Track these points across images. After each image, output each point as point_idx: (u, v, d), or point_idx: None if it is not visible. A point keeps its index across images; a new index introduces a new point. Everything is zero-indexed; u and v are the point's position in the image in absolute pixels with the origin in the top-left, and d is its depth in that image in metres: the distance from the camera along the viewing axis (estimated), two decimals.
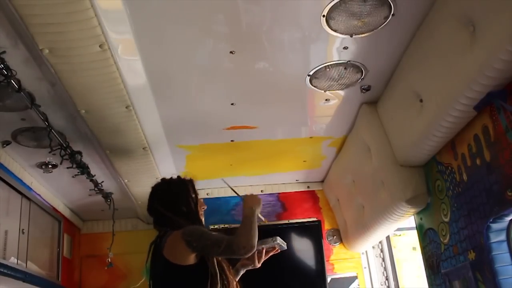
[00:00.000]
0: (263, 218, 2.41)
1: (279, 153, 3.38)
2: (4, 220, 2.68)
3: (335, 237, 4.12)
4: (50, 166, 2.93)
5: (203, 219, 2.38)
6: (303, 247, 3.99)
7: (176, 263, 2.11)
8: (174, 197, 2.30)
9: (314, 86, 2.50)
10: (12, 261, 2.70)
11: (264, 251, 2.52)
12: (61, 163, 2.73)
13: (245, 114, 2.79)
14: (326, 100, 2.69)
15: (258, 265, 2.53)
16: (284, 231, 3.97)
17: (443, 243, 2.53)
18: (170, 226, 2.21)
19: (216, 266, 2.14)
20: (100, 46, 1.77)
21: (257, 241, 2.24)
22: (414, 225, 2.96)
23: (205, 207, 2.42)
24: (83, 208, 3.83)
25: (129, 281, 3.98)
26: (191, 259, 2.11)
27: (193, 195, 2.35)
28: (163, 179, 2.43)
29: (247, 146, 3.16)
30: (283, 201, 4.13)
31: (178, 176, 2.41)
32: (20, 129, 2.51)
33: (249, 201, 2.30)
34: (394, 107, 2.57)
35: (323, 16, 1.94)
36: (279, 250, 2.59)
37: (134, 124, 2.41)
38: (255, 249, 2.10)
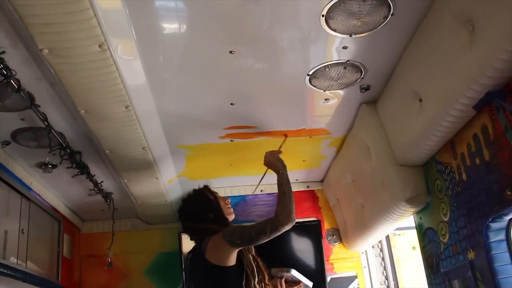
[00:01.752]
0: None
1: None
2: (4, 220, 2.68)
3: (334, 236, 4.12)
4: (49, 166, 2.93)
5: (231, 211, 2.58)
6: (302, 247, 3.99)
7: (219, 265, 2.29)
8: (197, 209, 2.52)
9: (314, 86, 2.50)
10: (12, 261, 2.70)
11: (282, 279, 2.65)
12: (60, 163, 2.73)
13: (245, 114, 2.79)
14: (325, 99, 2.69)
15: None
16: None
17: (442, 242, 2.53)
18: (205, 234, 2.41)
19: (252, 262, 2.34)
20: (99, 46, 1.77)
21: (276, 270, 2.60)
22: (414, 225, 2.96)
23: (229, 200, 2.62)
24: (83, 208, 3.83)
25: (129, 281, 3.99)
26: (233, 259, 2.29)
27: (212, 198, 2.55)
28: (183, 200, 2.65)
29: (247, 146, 3.16)
30: None
31: (194, 189, 2.63)
32: (19, 129, 2.51)
33: (272, 165, 2.61)
34: (393, 106, 2.57)
35: (323, 15, 1.94)
36: (302, 286, 2.73)
37: (133, 124, 2.41)
38: (293, 214, 2.33)
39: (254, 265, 2.34)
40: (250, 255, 2.38)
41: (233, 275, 2.30)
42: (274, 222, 2.28)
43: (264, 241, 2.28)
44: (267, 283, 2.41)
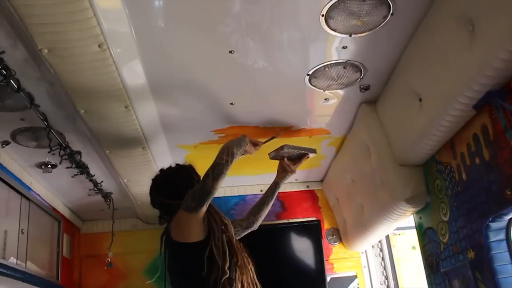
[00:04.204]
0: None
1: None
2: (3, 220, 2.68)
3: (334, 236, 4.12)
4: (49, 166, 2.93)
5: None
6: (302, 247, 4.00)
7: (182, 241, 2.10)
8: (178, 184, 2.28)
9: (313, 86, 2.50)
10: (12, 261, 2.70)
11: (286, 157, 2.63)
12: (60, 163, 2.73)
13: (245, 113, 2.79)
14: (325, 99, 2.69)
15: (295, 171, 2.66)
16: (283, 231, 3.99)
17: (442, 242, 2.53)
18: (175, 213, 2.17)
19: (226, 244, 2.11)
20: (99, 46, 1.77)
21: (272, 154, 2.58)
22: (414, 225, 2.96)
23: None
24: (82, 208, 3.83)
25: (129, 281, 3.99)
26: (197, 233, 2.09)
27: (196, 178, 2.34)
28: (162, 171, 2.41)
29: None
30: (282, 200, 4.13)
31: (177, 164, 2.43)
32: (19, 129, 2.51)
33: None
34: (393, 106, 2.57)
35: (322, 15, 1.94)
36: (309, 157, 2.68)
37: (133, 124, 2.41)
38: (234, 149, 2.17)
39: (226, 246, 2.10)
40: (223, 236, 2.13)
41: (199, 252, 2.06)
42: (214, 161, 2.13)
43: (214, 186, 2.08)
44: (241, 266, 2.15)
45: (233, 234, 2.22)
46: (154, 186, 2.37)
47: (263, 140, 2.61)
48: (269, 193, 2.63)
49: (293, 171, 2.64)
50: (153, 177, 2.42)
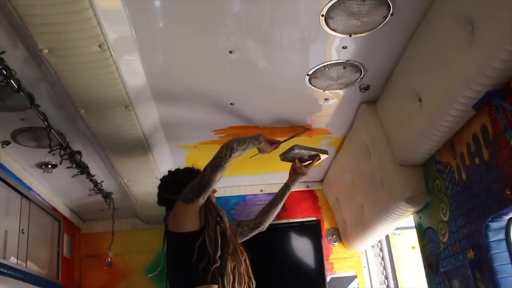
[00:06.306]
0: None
1: (279, 152, 3.38)
2: (4, 220, 2.69)
3: (334, 236, 4.12)
4: (49, 166, 2.94)
5: (214, 200, 2.42)
6: (302, 247, 4.00)
7: (180, 232, 2.16)
8: (184, 182, 2.29)
9: (313, 86, 2.50)
10: (12, 261, 2.70)
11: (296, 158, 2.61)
12: (60, 163, 2.73)
13: (245, 113, 2.79)
14: (325, 99, 2.69)
15: (307, 174, 2.63)
16: (283, 231, 3.99)
17: (442, 242, 2.53)
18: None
19: (219, 234, 2.16)
20: (99, 46, 1.77)
21: (282, 156, 2.56)
22: (413, 224, 2.96)
23: (216, 191, 2.48)
24: (83, 208, 3.84)
25: (129, 281, 3.99)
26: (192, 223, 2.14)
27: None
28: (170, 171, 2.51)
29: None
30: None
31: (185, 167, 2.51)
32: (19, 129, 2.52)
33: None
34: (393, 106, 2.57)
35: (322, 15, 1.94)
36: (321, 158, 2.65)
37: (133, 124, 2.42)
38: (234, 144, 2.22)
39: (219, 237, 2.14)
40: (217, 227, 2.18)
41: (191, 241, 2.10)
42: (214, 157, 2.18)
43: (213, 179, 2.14)
44: (232, 254, 2.18)
45: (227, 225, 2.26)
46: (161, 185, 2.46)
47: (281, 139, 2.61)
48: (278, 195, 2.62)
49: (304, 173, 2.62)
50: (162, 177, 2.53)
